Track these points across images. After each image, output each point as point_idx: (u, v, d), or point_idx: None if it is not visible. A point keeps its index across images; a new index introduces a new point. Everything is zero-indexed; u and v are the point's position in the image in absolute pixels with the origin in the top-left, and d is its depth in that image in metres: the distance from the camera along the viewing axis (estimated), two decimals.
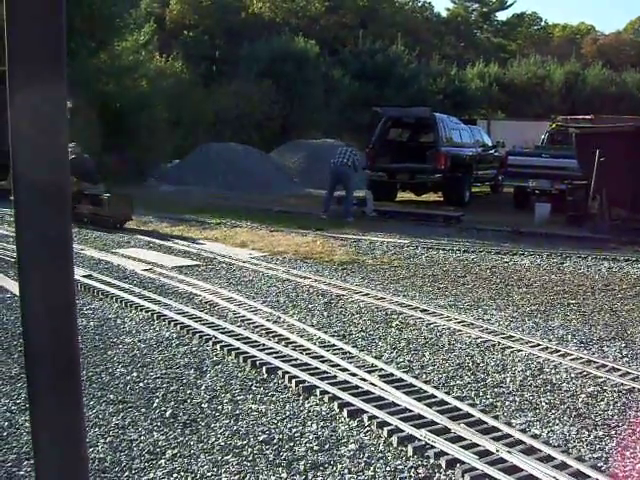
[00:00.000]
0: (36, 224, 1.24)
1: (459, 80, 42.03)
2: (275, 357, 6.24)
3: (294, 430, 4.81)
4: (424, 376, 6.01)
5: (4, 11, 1.19)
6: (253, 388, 5.62)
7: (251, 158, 25.51)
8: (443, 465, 4.29)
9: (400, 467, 4.29)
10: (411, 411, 5.06)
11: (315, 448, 4.53)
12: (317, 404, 5.30)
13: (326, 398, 5.35)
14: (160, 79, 30.05)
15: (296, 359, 6.22)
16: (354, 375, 5.82)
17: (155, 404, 5.25)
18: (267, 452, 4.47)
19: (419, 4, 61.29)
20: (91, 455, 4.30)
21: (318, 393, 5.45)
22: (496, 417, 5.05)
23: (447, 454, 4.37)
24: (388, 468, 4.27)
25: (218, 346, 6.62)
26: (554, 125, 21.29)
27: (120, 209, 14.40)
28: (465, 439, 4.58)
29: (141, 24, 28.30)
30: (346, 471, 4.23)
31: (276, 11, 47.35)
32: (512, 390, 5.73)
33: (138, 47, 27.22)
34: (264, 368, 6.00)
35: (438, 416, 4.93)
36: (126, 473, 4.17)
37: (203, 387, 5.63)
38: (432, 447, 4.48)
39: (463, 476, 4.14)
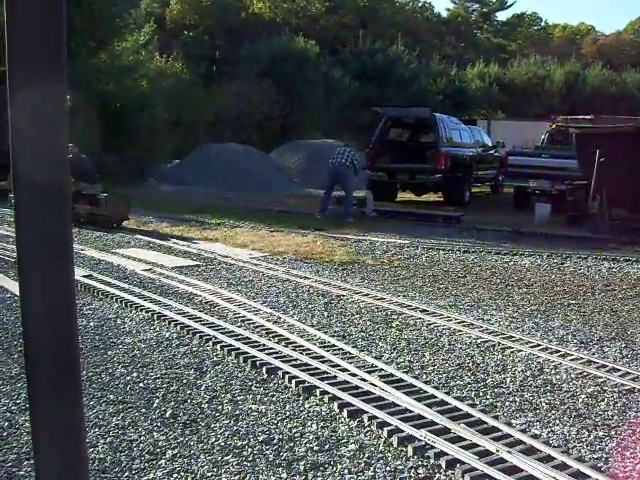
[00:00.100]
0: (36, 224, 1.24)
1: (459, 80, 42.03)
2: (275, 357, 6.24)
3: (294, 430, 4.80)
4: (424, 376, 6.01)
5: (4, 11, 1.19)
6: (253, 388, 5.62)
7: (251, 158, 25.51)
8: (443, 465, 4.29)
9: (400, 467, 4.28)
10: (411, 411, 5.05)
11: (315, 448, 4.53)
12: (317, 404, 5.30)
13: (326, 398, 5.35)
14: (160, 79, 30.06)
15: (296, 359, 6.22)
16: (354, 375, 5.82)
17: (155, 404, 5.25)
18: (267, 452, 4.46)
19: (419, 4, 61.34)
20: (91, 455, 4.30)
21: (318, 393, 5.44)
22: (496, 417, 5.05)
23: (447, 454, 4.37)
24: (388, 468, 4.27)
25: (218, 346, 6.62)
26: (554, 125, 21.27)
27: (117, 209, 14.51)
28: (465, 439, 4.58)
29: (141, 24, 28.29)
30: (346, 471, 4.23)
31: (276, 11, 47.36)
32: (512, 390, 5.73)
33: (138, 47, 27.22)
34: (264, 368, 6.00)
35: (438, 416, 4.93)
36: (126, 473, 4.17)
37: (203, 387, 5.62)
38: (432, 447, 4.48)
39: (463, 476, 4.14)
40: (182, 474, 4.16)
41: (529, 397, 5.57)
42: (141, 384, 5.68)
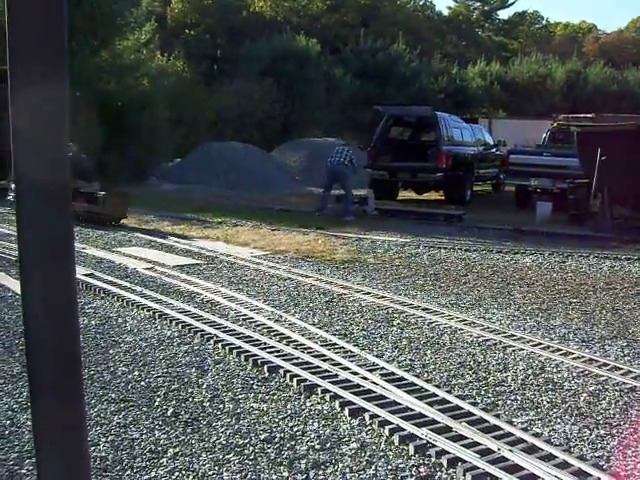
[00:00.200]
0: (38, 223, 1.24)
1: (460, 79, 41.98)
2: (276, 356, 6.24)
3: (295, 429, 4.81)
4: (425, 375, 6.01)
5: (5, 11, 1.19)
6: (254, 387, 5.63)
7: (252, 157, 25.51)
8: (445, 464, 4.29)
9: (401, 466, 4.29)
10: (412, 410, 5.06)
11: (316, 447, 4.53)
12: (318, 403, 5.30)
13: (327, 397, 5.35)
14: (161, 78, 30.05)
15: (297, 358, 6.22)
16: (355, 374, 5.82)
17: (156, 403, 5.25)
18: (268, 451, 4.47)
19: (420, 3, 61.25)
20: (93, 454, 4.30)
21: (319, 392, 5.45)
22: (497, 416, 5.05)
23: (448, 453, 4.37)
24: (389, 467, 4.27)
25: (219, 345, 6.62)
26: (555, 124, 21.27)
27: (115, 207, 14.60)
28: (466, 438, 4.58)
29: (142, 23, 28.29)
30: (347, 470, 4.23)
31: (277, 10, 47.33)
32: (513, 389, 5.73)
33: (139, 46, 27.21)
34: (265, 367, 6.01)
35: (439, 415, 4.93)
36: (127, 472, 4.17)
37: (204, 386, 5.63)
38: (433, 446, 4.48)
39: (465, 475, 4.14)
40: (183, 472, 4.17)
41: (530, 395, 5.57)
42: (142, 383, 5.68)
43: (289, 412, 5.11)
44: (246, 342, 6.63)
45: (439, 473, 4.21)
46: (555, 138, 21.07)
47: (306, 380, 5.65)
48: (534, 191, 19.77)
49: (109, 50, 25.69)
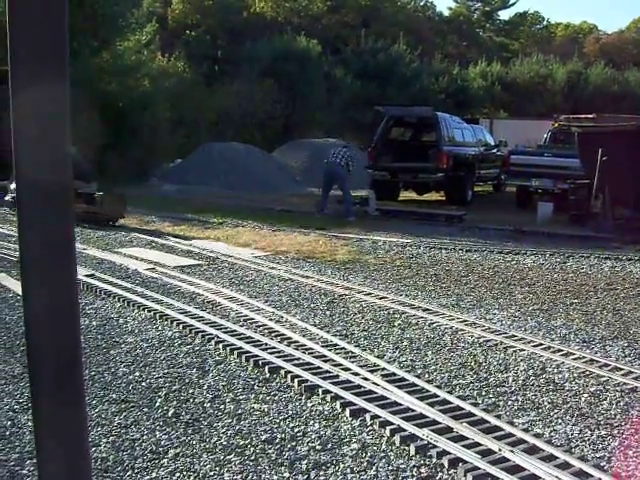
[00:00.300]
0: (39, 223, 1.24)
1: (461, 79, 41.99)
2: (277, 356, 6.24)
3: (296, 429, 4.81)
4: (426, 375, 6.01)
5: (6, 11, 1.19)
6: (255, 387, 5.63)
7: (253, 157, 25.52)
8: (446, 464, 4.29)
9: (402, 466, 4.29)
10: (413, 410, 5.05)
11: (317, 447, 4.53)
12: (319, 403, 5.30)
13: (328, 397, 5.35)
14: (162, 79, 30.07)
15: (298, 358, 6.22)
16: (356, 374, 5.82)
17: (157, 403, 5.25)
18: (269, 451, 4.47)
19: (421, 3, 61.25)
20: (94, 454, 4.30)
21: (320, 392, 5.45)
22: (498, 416, 5.05)
23: (449, 453, 4.37)
24: (390, 467, 4.27)
25: (220, 345, 6.62)
26: (556, 124, 21.25)
27: (113, 207, 14.71)
28: (467, 438, 4.58)
29: (143, 24, 28.31)
30: (348, 470, 4.23)
31: (278, 10, 47.34)
32: (514, 389, 5.72)
33: (140, 47, 27.23)
34: (266, 367, 6.00)
35: (440, 415, 4.93)
36: (128, 472, 4.17)
37: (205, 386, 5.63)
38: (434, 446, 4.48)
39: (466, 475, 4.13)
40: (184, 473, 4.17)
41: (531, 396, 5.57)
42: (143, 383, 5.68)
43: (290, 413, 5.11)
44: (247, 343, 6.63)
45: (440, 474, 4.21)
46: (556, 138, 21.07)
47: (307, 381, 5.65)
48: (535, 192, 19.78)
49: (110, 51, 25.71)
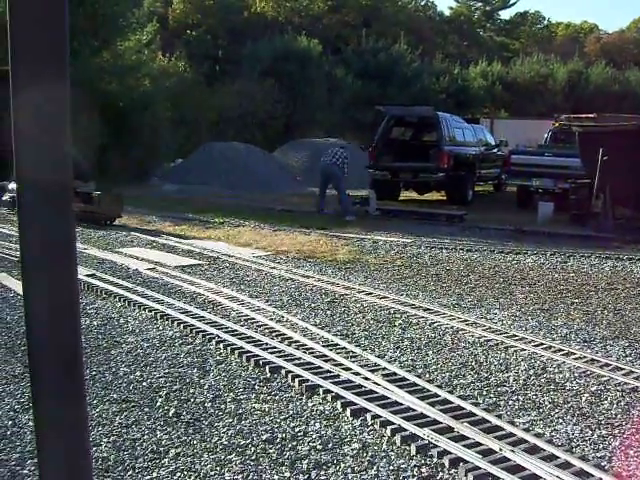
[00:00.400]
0: (39, 223, 1.24)
1: (462, 79, 41.99)
2: (278, 356, 6.24)
3: (297, 429, 4.81)
4: (427, 375, 6.01)
5: (6, 10, 1.19)
6: (256, 387, 5.63)
7: (254, 157, 25.53)
8: (446, 464, 4.28)
9: (403, 466, 4.28)
10: (414, 410, 5.05)
11: (318, 447, 4.53)
12: (320, 403, 5.30)
13: (329, 397, 5.35)
14: (163, 78, 30.08)
15: (299, 358, 6.22)
16: (357, 374, 5.82)
17: (158, 403, 5.25)
18: (270, 451, 4.47)
19: (422, 3, 61.27)
20: (94, 454, 4.30)
21: (321, 392, 5.45)
22: (499, 416, 5.05)
23: (450, 453, 4.37)
24: (391, 467, 4.27)
25: (221, 345, 6.63)
26: (557, 124, 21.23)
27: (110, 207, 14.78)
28: (468, 438, 4.58)
29: (144, 23, 28.33)
30: (349, 470, 4.23)
31: (279, 10, 47.34)
32: (515, 389, 5.72)
33: (141, 46, 27.25)
34: (267, 367, 6.01)
35: (441, 415, 4.93)
36: (129, 472, 4.17)
37: (206, 386, 5.63)
38: (435, 446, 4.48)
39: (466, 475, 4.13)
40: (185, 473, 4.17)
41: (532, 396, 5.57)
42: (144, 383, 5.68)
43: (291, 412, 5.11)
44: (248, 342, 6.63)
45: (441, 473, 4.21)
46: (557, 138, 21.05)
47: (308, 380, 5.65)
48: (536, 191, 19.76)
49: (111, 50, 25.72)
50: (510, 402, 5.43)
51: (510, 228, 15.25)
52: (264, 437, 4.67)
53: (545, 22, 67.88)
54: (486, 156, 22.95)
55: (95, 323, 7.40)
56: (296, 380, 5.68)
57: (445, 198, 21.42)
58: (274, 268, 10.50)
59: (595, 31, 64.92)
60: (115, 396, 5.38)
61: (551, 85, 42.29)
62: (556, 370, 6.21)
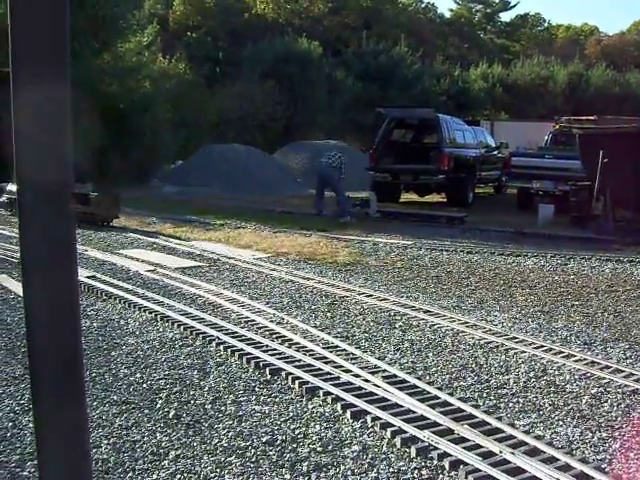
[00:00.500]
0: (39, 224, 1.24)
1: (462, 81, 42.04)
2: (278, 358, 6.24)
3: (297, 431, 4.80)
4: (427, 377, 6.00)
5: (7, 11, 1.19)
6: (256, 389, 5.62)
7: (254, 159, 25.54)
8: (447, 466, 4.28)
9: (403, 468, 4.28)
10: (414, 412, 5.05)
11: (318, 449, 4.52)
12: (320, 405, 5.29)
13: (329, 399, 5.35)
14: (163, 80, 30.10)
15: (299, 360, 6.22)
16: (357, 376, 5.81)
17: (158, 405, 5.25)
18: (270, 453, 4.46)
19: (422, 5, 61.34)
20: (94, 456, 4.30)
21: (321, 394, 5.44)
22: (499, 418, 5.04)
23: (451, 455, 4.37)
24: (391, 469, 4.27)
25: (221, 347, 6.62)
26: (557, 126, 21.25)
27: (107, 208, 14.80)
28: (469, 440, 4.57)
29: (144, 25, 28.36)
30: (349, 472, 4.22)
31: (279, 12, 47.38)
32: (515, 391, 5.72)
33: (141, 48, 27.27)
34: (267, 369, 6.00)
35: (441, 417, 4.92)
36: (129, 474, 4.17)
37: (206, 388, 5.63)
38: (435, 448, 4.48)
39: (467, 477, 4.13)
40: (185, 475, 4.16)
41: (532, 398, 5.57)
42: (144, 385, 5.68)
43: (291, 414, 5.10)
44: (248, 344, 6.63)
45: (441, 476, 4.21)
46: (557, 140, 21.05)
47: (308, 382, 5.65)
48: (536, 193, 19.75)
49: (111, 52, 25.74)
50: (510, 404, 5.43)
51: (510, 230, 15.24)
52: (264, 439, 4.66)
53: (545, 24, 68.00)
54: (486, 158, 22.95)
55: (95, 325, 7.40)
56: (296, 382, 5.67)
57: (445, 200, 21.43)
58: (274, 270, 10.50)
59: (595, 33, 64.98)
60: (115, 398, 5.38)
61: (551, 87, 42.34)
62: (556, 372, 6.21)
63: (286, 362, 6.13)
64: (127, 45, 26.43)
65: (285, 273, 10.26)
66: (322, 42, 38.64)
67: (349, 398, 5.28)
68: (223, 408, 5.21)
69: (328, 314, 8.08)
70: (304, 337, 7.00)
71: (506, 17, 67.10)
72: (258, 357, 6.28)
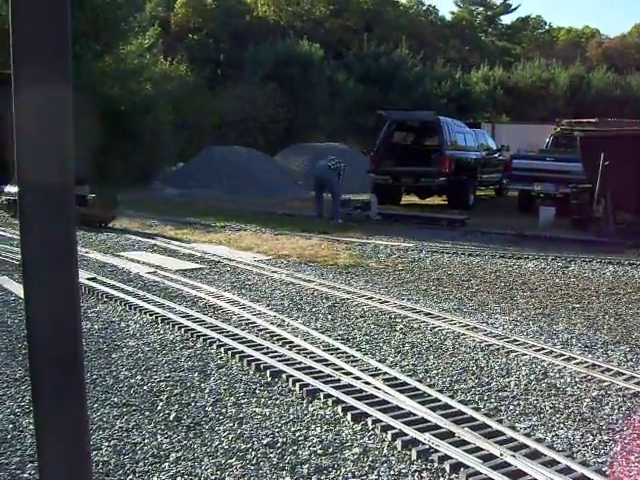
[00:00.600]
0: (40, 226, 1.24)
1: (464, 83, 42.05)
2: (279, 360, 6.24)
3: (298, 434, 4.80)
4: (428, 380, 6.00)
5: (9, 13, 1.20)
6: (257, 391, 5.62)
7: (255, 161, 25.56)
8: (447, 469, 4.27)
9: (404, 471, 4.28)
10: (415, 415, 5.04)
11: (319, 452, 4.52)
12: (321, 408, 5.29)
13: (330, 402, 5.34)
14: (165, 82, 30.14)
15: (300, 362, 6.21)
16: (358, 379, 5.81)
17: (159, 407, 5.25)
18: (271, 456, 4.46)
19: (423, 8, 61.40)
20: (95, 458, 4.30)
21: (322, 397, 5.44)
22: (500, 421, 5.04)
23: (451, 458, 4.36)
24: (392, 472, 4.26)
25: (222, 349, 6.62)
26: (559, 128, 21.24)
27: (104, 209, 14.85)
28: (469, 443, 4.56)
29: (146, 27, 28.39)
30: (350, 475, 4.22)
31: (280, 14, 47.43)
32: (516, 394, 5.71)
33: (143, 50, 27.30)
34: (268, 371, 6.00)
35: (442, 420, 4.92)
36: (130, 476, 4.16)
37: (207, 390, 5.62)
38: (436, 451, 4.47)
39: None
40: (186, 477, 4.16)
41: (533, 401, 5.56)
42: (145, 387, 5.68)
43: (291, 417, 5.10)
44: (249, 347, 6.63)
45: (442, 478, 4.20)
46: (558, 143, 21.05)
47: (309, 385, 5.64)
48: (537, 196, 19.76)
49: (113, 54, 25.78)
50: (511, 407, 5.42)
51: (511, 233, 15.24)
52: (265, 441, 4.66)
53: (546, 27, 68.06)
54: (487, 161, 22.95)
55: (96, 327, 7.40)
56: (297, 384, 5.67)
57: (446, 203, 21.42)
58: (275, 272, 10.50)
59: (597, 36, 65.03)
60: (116, 400, 5.38)
61: (553, 90, 42.36)
62: (557, 375, 6.20)
63: (287, 364, 6.13)
64: (129, 47, 26.46)
65: (286, 275, 10.26)
66: (323, 44, 38.68)
67: (350, 401, 5.28)
68: (224, 410, 5.21)
69: (329, 316, 8.07)
70: (305, 339, 7.00)
71: (507, 20, 67.20)
72: (259, 359, 6.28)
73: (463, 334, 7.40)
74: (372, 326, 7.70)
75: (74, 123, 1.25)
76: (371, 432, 4.84)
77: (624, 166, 14.16)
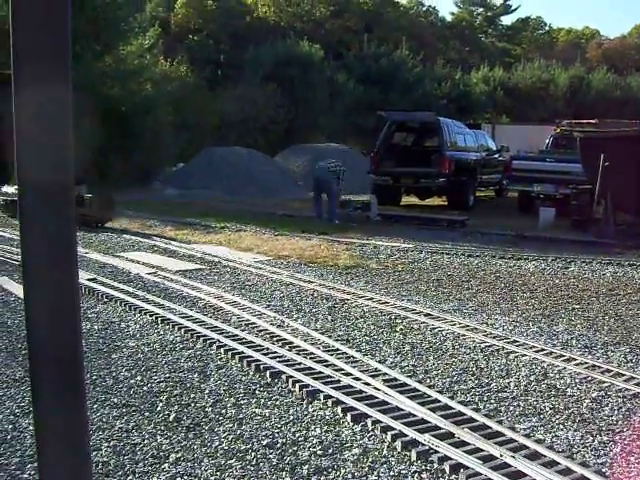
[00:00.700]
0: (40, 226, 1.24)
1: (464, 84, 42.06)
2: (279, 361, 6.24)
3: (298, 434, 4.80)
4: (428, 380, 6.00)
5: (9, 13, 1.20)
6: (257, 392, 5.62)
7: (255, 162, 25.56)
8: (447, 470, 4.27)
9: (404, 472, 4.28)
10: (415, 415, 5.04)
11: (319, 452, 4.52)
12: (321, 408, 5.29)
13: (330, 402, 5.34)
14: (165, 83, 30.14)
15: (300, 363, 6.21)
16: (358, 379, 5.81)
17: (159, 408, 5.25)
18: (271, 456, 4.46)
19: (424, 8, 61.44)
20: (95, 459, 4.30)
21: (322, 397, 5.44)
22: (500, 422, 5.03)
23: (451, 459, 4.36)
24: (392, 473, 4.26)
25: (222, 350, 6.62)
26: (558, 129, 21.23)
27: (101, 209, 14.91)
28: (469, 444, 4.57)
29: (146, 28, 28.39)
30: (350, 476, 4.22)
31: (281, 15, 47.45)
32: (516, 395, 5.71)
33: (143, 51, 27.30)
34: (268, 372, 6.00)
35: (442, 421, 4.91)
36: (129, 477, 4.16)
37: (207, 391, 5.62)
38: (436, 452, 4.47)
39: None
40: (186, 478, 4.16)
41: (533, 402, 5.56)
42: (145, 387, 5.68)
43: (291, 418, 5.10)
44: (248, 347, 6.63)
45: (441, 479, 4.20)
46: (558, 144, 21.05)
47: (308, 386, 5.64)
48: (537, 197, 19.75)
49: (113, 55, 25.78)
50: (511, 408, 5.42)
51: (511, 233, 15.24)
52: (264, 442, 4.66)
53: (546, 28, 68.08)
54: (487, 161, 22.95)
55: (96, 327, 7.40)
56: (297, 385, 5.67)
57: (446, 203, 21.41)
58: (275, 273, 10.50)
59: (596, 37, 65.05)
60: (116, 400, 5.38)
61: (552, 91, 42.37)
62: (557, 376, 6.20)
63: (286, 365, 6.13)
64: (129, 48, 26.47)
65: (286, 276, 10.26)
66: (323, 45, 38.69)
67: (349, 401, 5.28)
68: (223, 411, 5.21)
69: (329, 317, 8.07)
70: (304, 340, 7.00)
71: (507, 20, 67.39)
72: (259, 360, 6.28)
73: (463, 335, 7.41)
74: (372, 327, 7.70)
75: (74, 123, 1.25)
76: (371, 433, 4.84)
77: (624, 167, 14.16)
